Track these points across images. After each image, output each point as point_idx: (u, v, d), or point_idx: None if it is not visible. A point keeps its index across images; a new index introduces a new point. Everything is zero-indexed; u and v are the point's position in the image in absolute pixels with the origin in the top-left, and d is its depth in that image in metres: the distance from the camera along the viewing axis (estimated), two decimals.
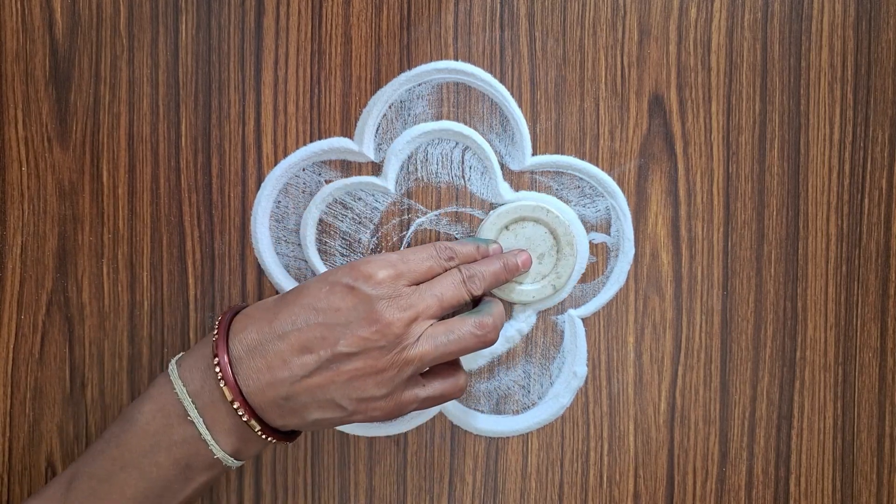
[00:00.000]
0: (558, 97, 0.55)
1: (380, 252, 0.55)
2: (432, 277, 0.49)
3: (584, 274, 0.56)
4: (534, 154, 0.56)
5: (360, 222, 0.55)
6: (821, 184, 0.56)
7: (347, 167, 0.55)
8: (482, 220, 0.55)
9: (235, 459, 0.47)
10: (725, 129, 0.56)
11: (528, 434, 0.56)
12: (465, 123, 0.55)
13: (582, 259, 0.55)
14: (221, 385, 0.45)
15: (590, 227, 0.56)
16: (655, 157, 0.56)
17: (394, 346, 0.46)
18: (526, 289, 0.55)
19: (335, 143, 0.55)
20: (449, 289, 0.48)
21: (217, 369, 0.46)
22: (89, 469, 0.47)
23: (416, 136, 0.55)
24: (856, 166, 0.56)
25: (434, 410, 0.56)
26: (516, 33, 0.55)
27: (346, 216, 0.55)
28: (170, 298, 0.56)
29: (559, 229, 0.54)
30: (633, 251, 0.56)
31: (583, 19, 0.55)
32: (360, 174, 0.55)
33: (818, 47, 0.55)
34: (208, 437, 0.46)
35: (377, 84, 0.55)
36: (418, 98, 0.55)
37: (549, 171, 0.55)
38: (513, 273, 0.52)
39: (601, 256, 0.56)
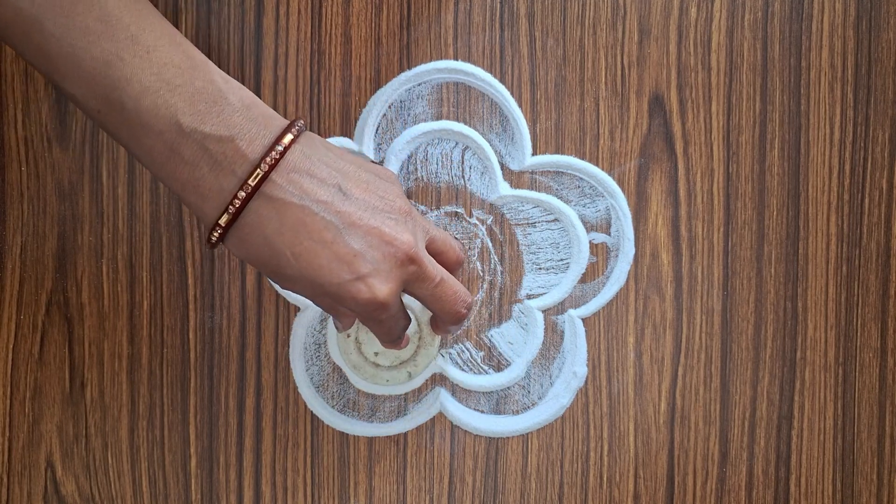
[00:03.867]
0: (558, 97, 0.55)
1: None
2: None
3: (584, 274, 0.56)
4: (534, 154, 0.55)
5: None
6: (821, 184, 0.56)
7: None
8: None
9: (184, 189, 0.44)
10: (725, 129, 0.56)
11: (528, 434, 0.56)
12: (465, 123, 0.55)
13: (582, 260, 0.55)
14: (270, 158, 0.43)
15: (590, 227, 0.56)
16: (655, 157, 0.55)
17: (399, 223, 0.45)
18: (382, 374, 0.54)
19: (335, 143, 0.55)
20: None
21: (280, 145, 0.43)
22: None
23: (416, 136, 0.55)
24: (856, 166, 0.56)
25: (433, 409, 0.55)
26: (516, 33, 0.55)
27: None
28: (169, 298, 0.56)
29: (423, 318, 0.53)
30: (633, 251, 0.55)
31: (583, 19, 0.55)
32: None
33: (818, 47, 0.55)
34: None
35: (377, 84, 0.55)
36: (418, 98, 0.55)
37: (549, 171, 0.55)
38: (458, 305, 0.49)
39: (601, 256, 0.56)
